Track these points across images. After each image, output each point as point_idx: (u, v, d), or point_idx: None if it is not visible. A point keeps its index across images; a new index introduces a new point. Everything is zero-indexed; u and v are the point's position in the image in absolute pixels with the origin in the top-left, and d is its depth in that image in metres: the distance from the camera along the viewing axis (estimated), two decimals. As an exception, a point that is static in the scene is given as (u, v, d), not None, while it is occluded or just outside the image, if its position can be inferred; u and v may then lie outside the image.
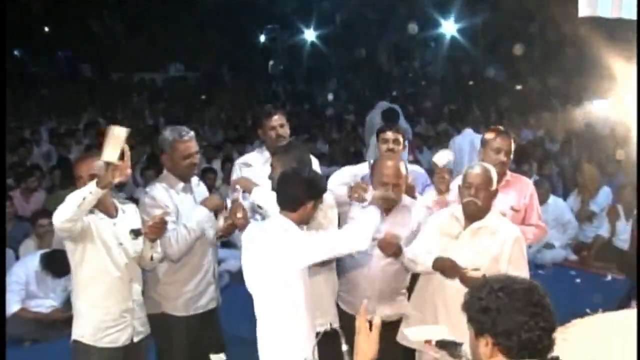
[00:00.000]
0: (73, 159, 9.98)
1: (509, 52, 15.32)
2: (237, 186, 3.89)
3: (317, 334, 3.44)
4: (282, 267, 3.16)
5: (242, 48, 20.33)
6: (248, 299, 3.37)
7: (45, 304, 5.89)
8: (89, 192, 3.21)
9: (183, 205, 3.90)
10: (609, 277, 6.86)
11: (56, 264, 5.73)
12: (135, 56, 19.94)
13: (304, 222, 3.30)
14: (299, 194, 3.21)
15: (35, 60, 21.26)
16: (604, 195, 7.69)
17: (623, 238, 7.14)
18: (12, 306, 5.67)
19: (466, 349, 2.26)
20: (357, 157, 8.94)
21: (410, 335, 3.13)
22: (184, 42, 19.73)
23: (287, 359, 3.21)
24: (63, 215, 3.25)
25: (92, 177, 3.39)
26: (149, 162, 8.74)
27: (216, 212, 3.99)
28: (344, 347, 2.56)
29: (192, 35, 19.53)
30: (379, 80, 18.99)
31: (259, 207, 3.71)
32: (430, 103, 15.76)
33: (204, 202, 3.91)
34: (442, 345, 2.49)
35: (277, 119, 4.44)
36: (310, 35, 20.73)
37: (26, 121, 12.46)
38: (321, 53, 20.53)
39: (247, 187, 3.85)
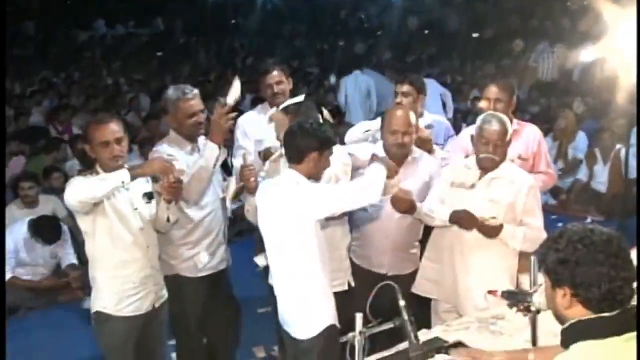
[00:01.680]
0: (36, 122, 9.73)
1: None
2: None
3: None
4: (295, 221, 3.18)
5: (193, 5, 19.74)
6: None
7: (36, 272, 5.80)
8: (120, 180, 3.17)
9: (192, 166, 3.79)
10: (589, 220, 7.05)
11: (45, 231, 5.67)
12: (79, 12, 19.15)
13: (314, 176, 3.29)
14: (302, 146, 3.21)
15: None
16: (582, 140, 7.85)
17: (601, 181, 7.36)
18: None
19: (536, 298, 2.29)
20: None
21: None
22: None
23: (306, 313, 3.25)
24: (83, 197, 3.20)
25: (104, 144, 3.29)
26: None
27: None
28: (402, 303, 2.57)
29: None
30: (336, 32, 18.79)
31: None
32: (389, 54, 15.69)
33: (211, 137, 3.75)
34: (510, 295, 2.49)
35: (275, 76, 4.35)
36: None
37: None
38: (275, 5, 20.13)
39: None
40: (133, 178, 3.25)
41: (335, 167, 3.58)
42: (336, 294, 3.49)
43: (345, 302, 3.46)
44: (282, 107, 3.80)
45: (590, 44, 7.54)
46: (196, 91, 3.88)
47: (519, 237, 3.60)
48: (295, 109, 3.74)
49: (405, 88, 4.39)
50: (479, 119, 3.73)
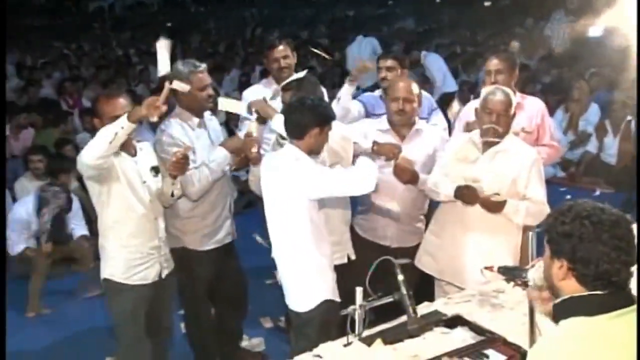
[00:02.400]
0: (46, 94, 9.80)
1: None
2: (254, 109, 3.86)
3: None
4: (290, 196, 3.24)
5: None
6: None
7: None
8: (120, 126, 3.17)
9: (198, 140, 3.86)
10: (598, 192, 7.06)
11: (55, 202, 5.70)
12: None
13: (314, 151, 3.32)
14: (303, 121, 3.25)
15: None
16: (594, 112, 7.79)
17: (611, 153, 7.32)
18: (18, 246, 5.68)
19: (531, 274, 2.32)
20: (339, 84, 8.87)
21: None
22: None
23: (301, 287, 3.33)
24: (94, 152, 3.22)
25: (114, 118, 3.33)
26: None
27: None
28: (400, 277, 2.62)
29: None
30: (344, 1, 18.66)
31: (281, 137, 3.69)
32: (401, 24, 15.58)
33: (224, 144, 3.87)
34: (505, 270, 2.52)
35: (281, 50, 4.38)
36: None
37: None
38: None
39: (267, 113, 3.80)
40: (131, 121, 3.21)
41: (333, 141, 3.60)
42: (336, 267, 3.55)
43: (345, 274, 3.52)
44: (282, 84, 3.85)
45: (603, 13, 7.43)
46: (204, 65, 3.91)
47: (522, 212, 3.60)
48: (298, 84, 3.77)
49: (389, 62, 4.45)
50: (483, 91, 3.73)
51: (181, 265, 3.86)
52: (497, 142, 3.66)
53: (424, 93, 4.87)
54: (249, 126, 3.88)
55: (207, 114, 4.02)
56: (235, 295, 4.24)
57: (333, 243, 3.68)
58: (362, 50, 9.64)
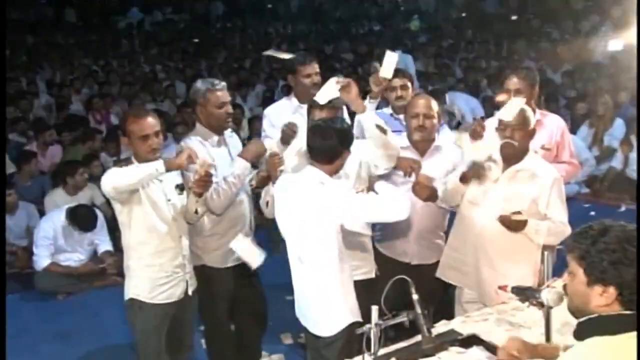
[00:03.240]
0: (75, 110, 9.98)
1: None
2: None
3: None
4: (317, 221, 3.15)
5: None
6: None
7: (73, 258, 5.99)
8: (154, 168, 3.27)
9: (219, 158, 3.89)
10: (623, 208, 6.97)
11: (82, 219, 5.84)
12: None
13: (336, 172, 3.28)
14: (335, 145, 3.17)
15: (16, 5, 20.57)
16: (619, 127, 7.70)
17: (636, 168, 7.20)
18: (43, 261, 5.80)
19: (545, 295, 2.31)
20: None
21: None
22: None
23: (325, 312, 3.24)
24: (119, 185, 3.30)
25: (144, 137, 3.40)
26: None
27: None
28: (415, 296, 2.62)
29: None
30: (370, 16, 18.70)
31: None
32: (425, 38, 15.56)
33: (242, 154, 3.88)
34: (519, 291, 2.51)
35: (315, 67, 4.39)
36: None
37: (19, 72, 12.20)
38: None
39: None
40: (167, 169, 3.36)
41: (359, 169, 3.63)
42: (362, 282, 3.55)
43: (369, 290, 3.49)
44: (323, 101, 3.64)
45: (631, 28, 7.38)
46: (224, 83, 3.96)
47: (543, 231, 3.55)
48: (335, 104, 3.68)
49: (403, 81, 4.51)
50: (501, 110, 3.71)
51: (202, 283, 3.89)
52: (517, 162, 3.63)
53: None
54: (272, 145, 3.86)
55: (227, 132, 4.07)
56: (255, 312, 4.27)
57: (359, 258, 3.70)
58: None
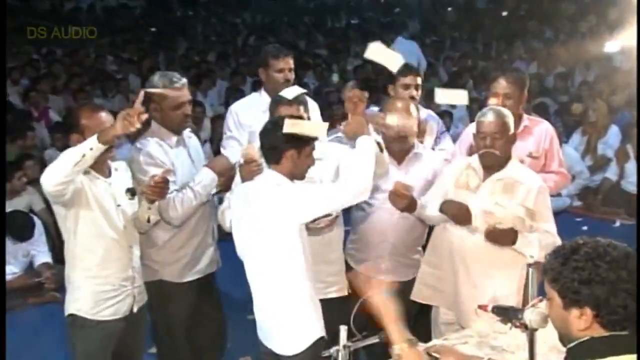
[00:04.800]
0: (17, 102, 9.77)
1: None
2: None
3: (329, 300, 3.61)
4: (277, 226, 3.17)
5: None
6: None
7: (6, 271, 5.86)
8: (89, 148, 3.15)
9: (178, 160, 3.89)
10: (618, 223, 7.08)
11: (16, 227, 5.75)
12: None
13: (296, 175, 3.26)
14: (277, 143, 3.19)
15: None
16: (614, 135, 7.80)
17: (632, 180, 7.30)
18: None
19: (527, 315, 2.35)
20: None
21: None
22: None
23: (290, 327, 3.25)
24: (55, 177, 3.20)
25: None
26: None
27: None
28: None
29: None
30: (349, 7, 18.80)
31: None
32: (408, 34, 15.67)
33: (210, 165, 3.88)
34: (500, 311, 2.56)
35: (289, 62, 4.40)
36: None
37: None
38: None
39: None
40: (103, 142, 3.19)
41: (326, 166, 3.64)
42: (334, 300, 3.58)
43: (340, 310, 3.47)
44: (291, 96, 3.68)
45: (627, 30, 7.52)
46: (184, 80, 3.91)
47: (534, 243, 3.56)
48: (303, 99, 3.71)
49: (417, 81, 4.52)
50: (478, 115, 3.77)
51: (157, 299, 3.87)
52: (499, 169, 3.69)
53: (432, 114, 4.90)
54: (249, 149, 3.70)
55: (186, 132, 4.05)
56: (214, 332, 4.26)
57: (331, 274, 3.73)
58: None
